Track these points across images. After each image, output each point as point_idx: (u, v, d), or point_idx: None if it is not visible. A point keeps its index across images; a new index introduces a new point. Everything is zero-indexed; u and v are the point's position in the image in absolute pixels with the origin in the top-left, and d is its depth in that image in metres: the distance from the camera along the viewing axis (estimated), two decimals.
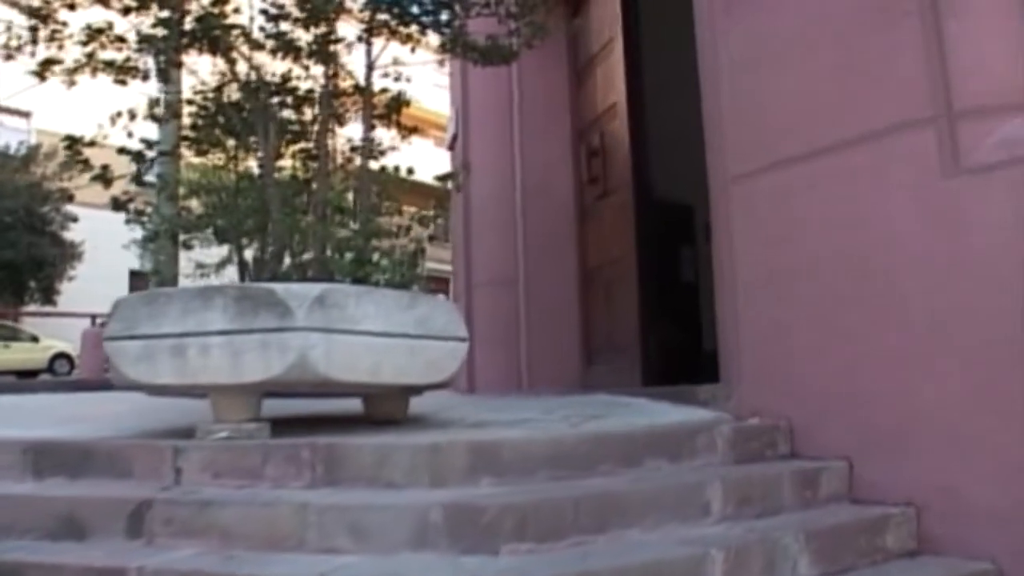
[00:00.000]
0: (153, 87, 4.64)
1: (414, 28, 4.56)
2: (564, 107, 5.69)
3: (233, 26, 3.91)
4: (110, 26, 4.08)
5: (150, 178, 4.83)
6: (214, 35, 3.80)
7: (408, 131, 4.46)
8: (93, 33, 4.02)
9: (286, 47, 3.85)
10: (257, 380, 2.49)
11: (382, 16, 4.28)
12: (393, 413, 2.99)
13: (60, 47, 4.01)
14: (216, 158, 4.85)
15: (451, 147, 6.89)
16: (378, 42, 4.22)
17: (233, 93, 4.02)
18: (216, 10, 3.87)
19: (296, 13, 3.94)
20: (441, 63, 5.41)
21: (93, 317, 14.79)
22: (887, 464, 2.64)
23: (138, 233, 6.71)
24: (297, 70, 4.07)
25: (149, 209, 5.61)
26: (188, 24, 3.89)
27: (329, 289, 2.55)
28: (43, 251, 17.96)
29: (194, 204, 5.64)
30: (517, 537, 2.04)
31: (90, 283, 17.97)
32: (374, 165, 4.36)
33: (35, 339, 18.89)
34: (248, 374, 2.49)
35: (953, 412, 2.49)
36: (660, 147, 4.89)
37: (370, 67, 4.06)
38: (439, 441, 2.35)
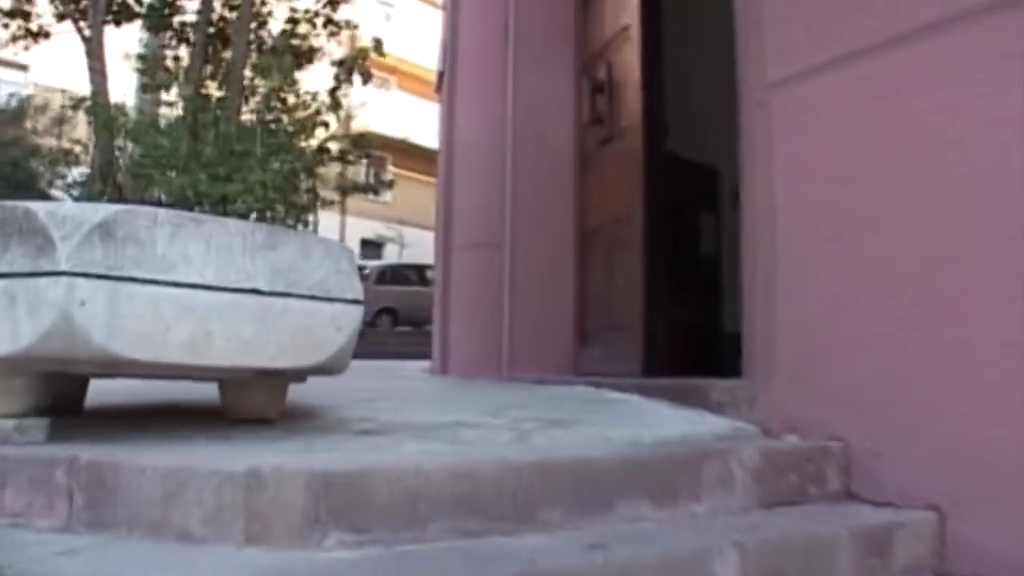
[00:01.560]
0: None
1: None
2: (568, 34, 4.63)
3: None
4: None
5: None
6: None
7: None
8: None
9: None
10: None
11: None
12: (262, 409, 2.04)
13: None
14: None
15: (438, 88, 5.91)
16: None
17: None
18: None
19: None
20: None
21: None
22: (1006, 520, 1.66)
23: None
24: None
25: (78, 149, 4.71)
26: None
27: (123, 212, 1.60)
28: None
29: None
30: None
31: None
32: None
33: None
34: None
35: None
36: (681, 88, 3.89)
37: None
38: (262, 467, 1.38)
